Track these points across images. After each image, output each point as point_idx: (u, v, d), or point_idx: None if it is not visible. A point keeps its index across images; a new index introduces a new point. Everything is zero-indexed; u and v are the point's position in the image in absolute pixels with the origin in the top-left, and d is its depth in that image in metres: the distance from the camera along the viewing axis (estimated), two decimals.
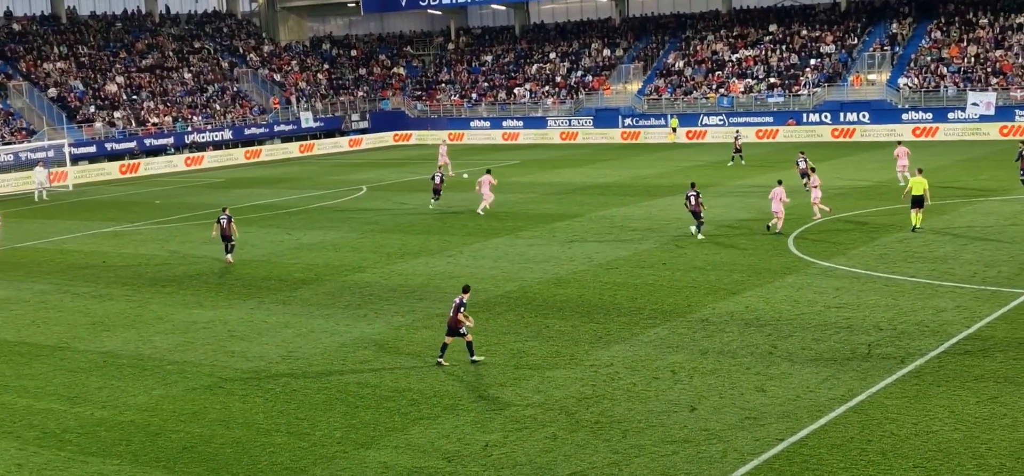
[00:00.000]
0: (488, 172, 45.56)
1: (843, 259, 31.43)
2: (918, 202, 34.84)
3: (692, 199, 36.10)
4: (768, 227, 36.82)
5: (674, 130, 75.56)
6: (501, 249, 36.13)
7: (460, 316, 22.60)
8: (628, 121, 78.66)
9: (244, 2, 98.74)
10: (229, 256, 36.25)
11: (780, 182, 37.24)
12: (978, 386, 19.77)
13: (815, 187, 38.15)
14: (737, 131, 61.83)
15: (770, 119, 73.49)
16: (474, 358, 23.06)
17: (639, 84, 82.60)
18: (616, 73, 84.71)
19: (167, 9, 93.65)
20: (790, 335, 23.83)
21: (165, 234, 43.39)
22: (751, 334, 24.11)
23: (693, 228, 36.42)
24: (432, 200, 46.26)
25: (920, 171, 36.49)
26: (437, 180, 46.81)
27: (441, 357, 23.02)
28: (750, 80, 77.56)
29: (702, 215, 36.24)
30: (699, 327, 24.95)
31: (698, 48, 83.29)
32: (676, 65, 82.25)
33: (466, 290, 23.18)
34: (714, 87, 78.10)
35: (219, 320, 28.22)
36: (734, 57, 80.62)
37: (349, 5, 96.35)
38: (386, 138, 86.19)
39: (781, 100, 74.62)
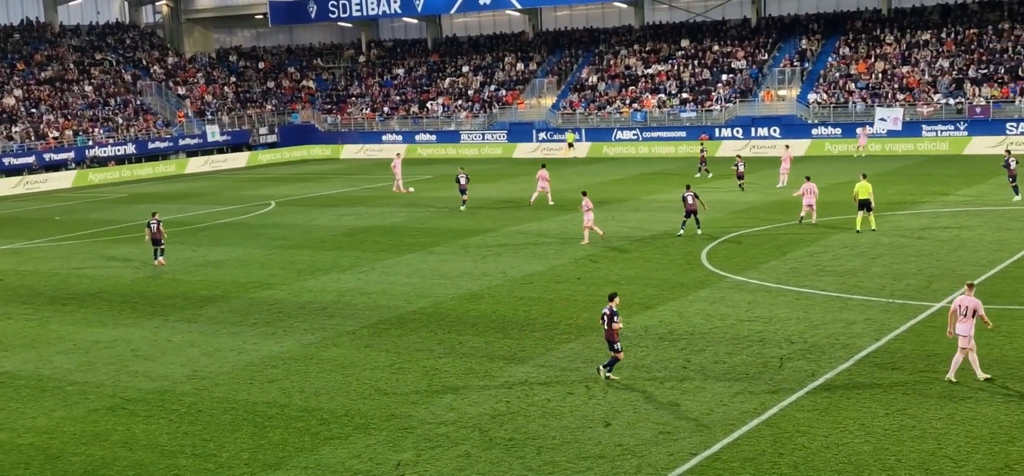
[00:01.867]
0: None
1: (755, 273, 31.67)
2: (865, 205, 37.22)
3: (688, 198, 38.17)
4: (801, 220, 39.70)
5: (570, 145, 75.83)
6: (414, 265, 35.78)
7: (615, 326, 21.62)
8: (542, 135, 78.81)
9: (147, 13, 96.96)
10: (161, 259, 37.46)
11: (808, 178, 40.17)
12: (887, 398, 19.95)
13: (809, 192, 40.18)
14: (702, 144, 61.51)
15: (683, 134, 74.22)
16: (609, 375, 21.93)
17: (553, 99, 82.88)
18: (530, 87, 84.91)
19: (67, 20, 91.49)
20: (703, 349, 23.88)
21: (66, 251, 42.25)
22: (665, 348, 24.11)
23: (682, 229, 38.62)
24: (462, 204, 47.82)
25: (864, 176, 38.85)
26: (462, 181, 49.15)
27: (610, 373, 21.86)
28: (663, 95, 78.27)
29: (699, 214, 38.52)
30: None
31: (612, 63, 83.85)
32: (590, 80, 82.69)
33: (613, 297, 22.00)
34: (627, 102, 78.66)
35: (122, 339, 27.47)
36: (647, 72, 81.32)
37: (256, 17, 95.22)
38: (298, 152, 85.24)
39: (694, 115, 75.43)
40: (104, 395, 22.75)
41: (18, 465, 18.93)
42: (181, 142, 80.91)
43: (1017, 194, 43.13)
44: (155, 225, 37.59)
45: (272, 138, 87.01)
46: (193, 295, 32.54)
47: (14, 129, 73.55)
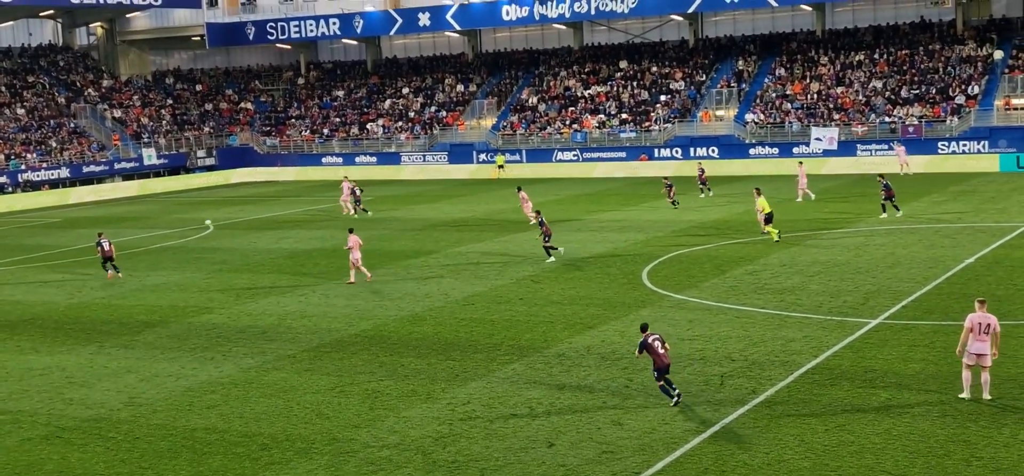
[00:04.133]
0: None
1: (695, 291, 31.87)
2: (770, 219, 40.37)
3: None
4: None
5: (500, 166, 76.01)
6: (355, 287, 35.56)
7: (667, 347, 21.31)
8: (483, 156, 78.90)
9: (81, 35, 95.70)
10: (118, 273, 39.16)
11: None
12: (826, 414, 20.13)
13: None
14: (701, 165, 60.37)
15: (623, 154, 74.64)
16: (676, 396, 21.26)
17: (493, 119, 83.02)
18: (470, 109, 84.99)
19: None
20: (645, 368, 23.83)
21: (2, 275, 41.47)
22: (607, 368, 24.15)
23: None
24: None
25: (758, 191, 41.95)
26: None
27: (675, 392, 21.17)
28: (603, 116, 78.69)
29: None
30: (556, 362, 24.90)
31: (551, 84, 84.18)
32: (529, 101, 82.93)
33: (645, 328, 21.60)
34: (568, 122, 78.96)
35: (56, 366, 26.97)
36: (586, 93, 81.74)
37: (193, 39, 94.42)
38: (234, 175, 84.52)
39: (633, 136, 75.89)
40: (38, 424, 22.30)
41: None
42: (117, 166, 79.82)
43: (885, 213, 44.88)
44: (106, 244, 39.17)
45: (210, 161, 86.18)
46: (130, 320, 32.07)
47: None
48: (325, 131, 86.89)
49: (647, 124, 76.35)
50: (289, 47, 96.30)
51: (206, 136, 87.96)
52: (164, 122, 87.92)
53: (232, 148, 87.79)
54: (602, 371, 23.92)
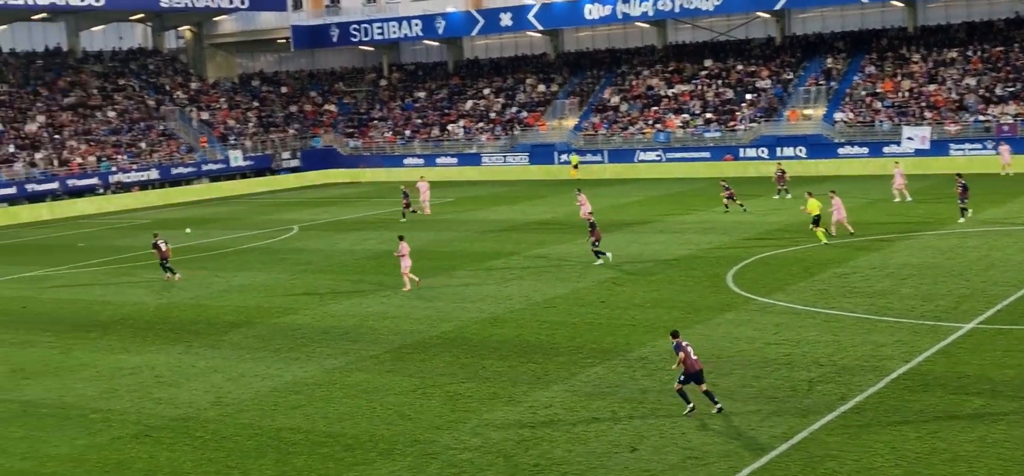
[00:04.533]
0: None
1: (782, 295, 31.37)
2: (818, 221, 40.01)
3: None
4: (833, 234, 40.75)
5: (575, 166, 75.56)
6: (436, 288, 35.62)
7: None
8: (564, 157, 78.56)
9: (170, 38, 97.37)
10: (175, 275, 39.49)
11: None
12: (918, 421, 19.67)
13: (838, 209, 41.09)
14: (780, 165, 59.03)
15: (707, 154, 73.76)
16: (718, 406, 21.18)
17: (575, 120, 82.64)
18: (551, 109, 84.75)
19: (90, 46, 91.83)
20: (730, 373, 23.61)
21: (89, 277, 42.28)
22: None
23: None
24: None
25: (810, 194, 41.18)
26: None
27: (717, 402, 21.01)
28: (686, 115, 77.94)
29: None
30: (639, 366, 24.67)
31: (634, 83, 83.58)
32: (612, 100, 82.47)
33: (677, 334, 21.61)
34: (650, 122, 78.37)
35: (146, 365, 27.42)
36: (670, 92, 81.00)
37: (279, 41, 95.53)
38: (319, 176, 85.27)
39: (718, 135, 74.99)
40: (128, 422, 22.68)
41: None
42: (204, 167, 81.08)
43: (963, 217, 43.69)
44: (163, 245, 39.74)
45: (294, 163, 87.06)
46: (217, 320, 32.50)
47: (38, 156, 73.76)
48: (407, 132, 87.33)
49: (732, 123, 75.42)
50: (372, 49, 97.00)
51: (290, 138, 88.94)
52: (250, 124, 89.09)
53: (316, 150, 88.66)
54: None
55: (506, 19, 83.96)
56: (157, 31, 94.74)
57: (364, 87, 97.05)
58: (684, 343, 21.23)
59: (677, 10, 78.60)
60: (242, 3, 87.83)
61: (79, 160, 74.94)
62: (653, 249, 40.39)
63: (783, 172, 56.84)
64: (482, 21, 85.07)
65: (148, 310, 34.78)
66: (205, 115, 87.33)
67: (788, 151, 71.20)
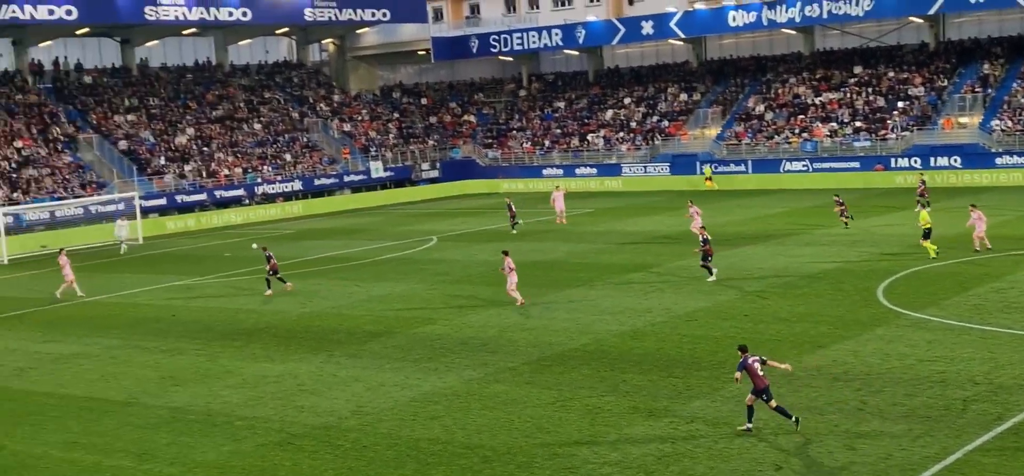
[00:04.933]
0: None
1: (936, 310, 30.21)
2: (928, 234, 39.28)
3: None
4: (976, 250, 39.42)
5: (709, 178, 74.32)
6: (575, 300, 35.37)
7: (769, 364, 21.08)
8: (706, 167, 77.38)
9: (314, 51, 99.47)
10: (287, 284, 40.43)
11: (974, 205, 40.48)
12: None
13: (979, 220, 39.77)
14: (922, 177, 57.36)
15: (857, 164, 71.66)
16: (795, 419, 20.85)
17: (718, 129, 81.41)
18: (693, 118, 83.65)
19: (238, 59, 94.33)
20: (881, 390, 22.82)
21: (234, 287, 43.24)
22: (839, 389, 23.14)
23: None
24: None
25: (923, 205, 41.28)
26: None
27: (791, 416, 20.76)
28: (835, 124, 75.95)
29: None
30: (784, 382, 23.91)
31: (779, 91, 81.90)
32: (756, 109, 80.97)
33: (745, 349, 21.23)
34: (797, 131, 76.63)
35: (289, 374, 27.82)
36: (817, 100, 79.09)
37: (419, 53, 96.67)
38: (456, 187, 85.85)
39: (868, 145, 72.83)
40: (272, 430, 23.02)
41: None
42: (346, 178, 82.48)
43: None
44: (271, 257, 40.46)
45: (433, 173, 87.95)
46: (357, 330, 32.83)
47: (187, 167, 76.04)
48: (546, 143, 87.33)
49: (883, 132, 73.17)
50: (511, 59, 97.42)
51: (430, 149, 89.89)
52: (391, 135, 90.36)
53: (455, 161, 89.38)
54: (833, 392, 22.93)
55: (648, 27, 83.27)
56: (301, 44, 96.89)
57: (503, 97, 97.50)
58: (750, 359, 20.71)
59: (825, 16, 76.79)
60: (384, 16, 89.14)
61: (226, 172, 76.99)
62: (799, 262, 39.38)
63: (923, 183, 54.94)
64: (623, 30, 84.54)
65: (290, 319, 35.37)
66: (347, 127, 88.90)
67: (942, 161, 68.73)
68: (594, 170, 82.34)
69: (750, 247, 44.20)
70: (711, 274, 37.13)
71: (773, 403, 20.61)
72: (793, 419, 20.59)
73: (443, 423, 22.67)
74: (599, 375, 25.69)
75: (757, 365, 20.65)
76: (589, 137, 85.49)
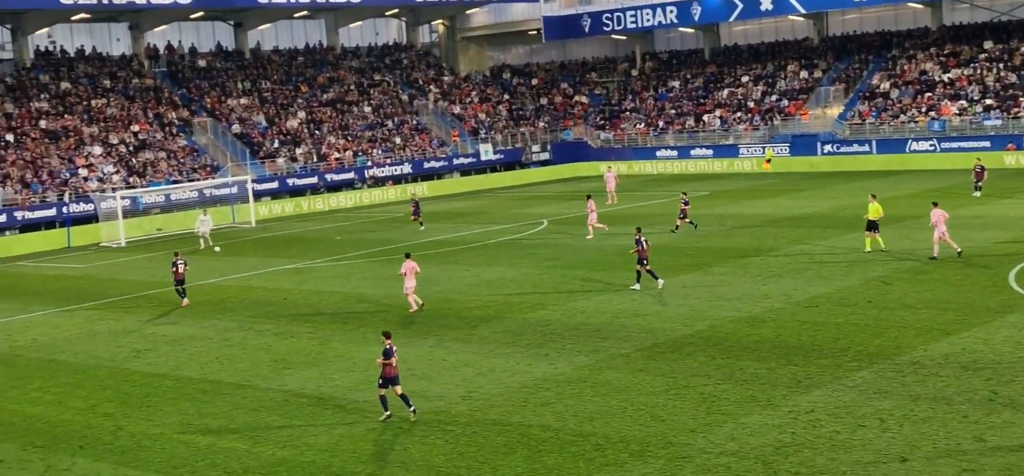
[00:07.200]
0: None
1: None
2: (873, 226, 37.85)
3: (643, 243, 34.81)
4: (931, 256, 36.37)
5: (768, 160, 72.22)
6: (690, 286, 34.68)
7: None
8: (828, 148, 75.45)
9: (424, 33, 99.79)
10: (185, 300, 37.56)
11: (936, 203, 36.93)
12: None
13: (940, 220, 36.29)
14: (979, 159, 55.44)
15: (987, 144, 68.93)
16: None
17: (840, 108, 79.29)
18: (814, 96, 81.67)
19: (348, 42, 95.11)
20: (1013, 380, 21.91)
21: (346, 271, 43.47)
22: (969, 379, 22.24)
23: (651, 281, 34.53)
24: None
25: (874, 197, 39.20)
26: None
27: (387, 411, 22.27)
28: (964, 101, 73.35)
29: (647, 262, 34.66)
30: (910, 371, 23.17)
31: (905, 68, 79.39)
32: (881, 87, 78.66)
33: (388, 335, 23.05)
34: (923, 110, 74.24)
35: (399, 358, 27.67)
36: (945, 77, 76.46)
37: (530, 33, 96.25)
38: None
39: (999, 123, 70.15)
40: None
41: None
42: (455, 161, 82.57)
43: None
44: (181, 265, 37.53)
45: (544, 156, 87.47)
46: (467, 315, 32.67)
47: (298, 151, 76.89)
48: (660, 124, 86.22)
49: (1016, 110, 70.36)
50: (624, 38, 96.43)
51: (540, 131, 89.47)
52: (500, 117, 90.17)
53: (566, 142, 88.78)
54: (962, 382, 22.09)
55: (767, 3, 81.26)
56: (411, 26, 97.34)
57: (616, 77, 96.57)
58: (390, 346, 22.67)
59: None
60: None
61: (337, 155, 77.68)
62: (926, 246, 38.01)
63: (982, 167, 53.18)
64: (741, 6, 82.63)
65: (401, 303, 35.27)
66: (457, 109, 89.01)
67: None
68: (710, 151, 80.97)
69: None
70: (638, 283, 34.72)
71: (400, 390, 22.43)
72: (412, 409, 22.29)
73: (554, 409, 22.38)
74: (715, 362, 25.14)
75: (395, 356, 22.41)
76: (705, 117, 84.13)
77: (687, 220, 47.15)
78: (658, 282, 34.21)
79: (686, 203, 47.88)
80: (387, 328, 31.11)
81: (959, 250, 35.89)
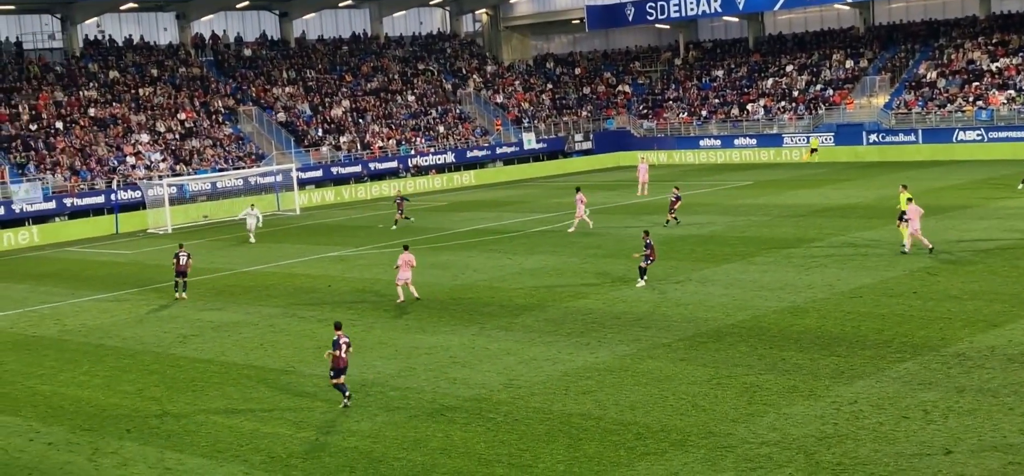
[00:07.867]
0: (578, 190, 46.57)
1: None
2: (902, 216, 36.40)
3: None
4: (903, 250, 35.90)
5: (813, 150, 71.41)
6: (732, 275, 34.54)
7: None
8: (873, 137, 74.75)
9: (467, 22, 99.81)
10: (183, 294, 37.23)
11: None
12: None
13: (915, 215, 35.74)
14: None
15: None
16: None
17: (886, 97, 78.50)
18: (860, 86, 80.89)
19: (392, 31, 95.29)
20: None
21: (388, 258, 43.49)
22: (1015, 371, 22.03)
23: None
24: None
25: (905, 187, 38.64)
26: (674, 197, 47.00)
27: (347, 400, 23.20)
28: (1012, 91, 72.37)
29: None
30: (955, 362, 22.94)
31: (952, 57, 78.45)
32: (927, 76, 77.79)
33: (338, 327, 23.79)
34: (971, 100, 73.36)
35: (441, 346, 27.87)
36: (993, 66, 75.46)
37: (573, 22, 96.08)
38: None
39: None
40: (424, 401, 23.13)
41: (343, 468, 19.50)
42: (498, 150, 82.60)
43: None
44: (184, 258, 37.15)
45: (587, 145, 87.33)
46: (509, 303, 32.72)
47: (342, 139, 77.29)
48: (703, 113, 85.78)
49: None
50: (668, 27, 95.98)
51: (583, 120, 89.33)
52: (544, 106, 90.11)
53: (608, 132, 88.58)
54: (1009, 374, 21.87)
55: None
56: (455, 15, 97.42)
57: (659, 66, 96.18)
58: (341, 338, 23.14)
59: None
60: None
61: (380, 143, 77.98)
62: (973, 237, 37.61)
63: None
64: None
65: (443, 291, 35.47)
66: (500, 98, 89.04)
67: None
68: (754, 141, 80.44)
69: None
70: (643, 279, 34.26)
71: (343, 380, 22.97)
72: (347, 394, 22.98)
73: (596, 398, 22.39)
74: (757, 352, 25.03)
75: (344, 345, 22.87)
76: (748, 107, 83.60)
77: (674, 216, 46.62)
78: (640, 281, 33.80)
79: (678, 197, 47.22)
80: (425, 317, 31.50)
81: (931, 246, 35.28)
